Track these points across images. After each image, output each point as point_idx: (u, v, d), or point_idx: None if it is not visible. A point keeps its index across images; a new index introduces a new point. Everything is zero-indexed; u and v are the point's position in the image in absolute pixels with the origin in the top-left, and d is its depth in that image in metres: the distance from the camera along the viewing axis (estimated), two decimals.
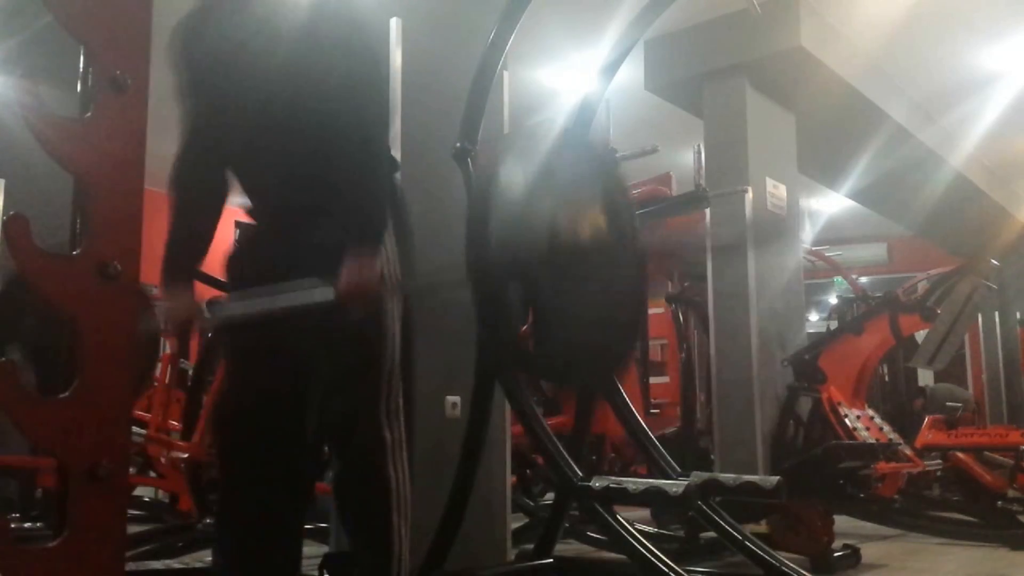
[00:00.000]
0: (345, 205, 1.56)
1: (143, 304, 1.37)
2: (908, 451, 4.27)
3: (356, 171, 1.57)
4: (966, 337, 7.11)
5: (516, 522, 3.36)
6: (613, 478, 2.12)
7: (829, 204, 8.04)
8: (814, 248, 6.95)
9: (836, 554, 3.09)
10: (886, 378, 6.83)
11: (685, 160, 5.10)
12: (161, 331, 1.71)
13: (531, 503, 4.17)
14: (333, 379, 1.61)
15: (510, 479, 2.97)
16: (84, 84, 1.40)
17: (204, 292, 1.76)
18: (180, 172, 1.70)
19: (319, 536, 2.99)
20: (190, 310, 1.66)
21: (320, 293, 1.54)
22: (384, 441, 1.60)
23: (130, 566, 2.55)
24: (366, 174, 1.58)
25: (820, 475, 3.48)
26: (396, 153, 2.73)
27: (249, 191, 1.71)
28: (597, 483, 2.08)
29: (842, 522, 3.56)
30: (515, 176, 1.78)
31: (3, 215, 1.14)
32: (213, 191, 1.73)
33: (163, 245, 1.68)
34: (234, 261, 1.75)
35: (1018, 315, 8.31)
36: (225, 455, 1.66)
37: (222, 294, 1.73)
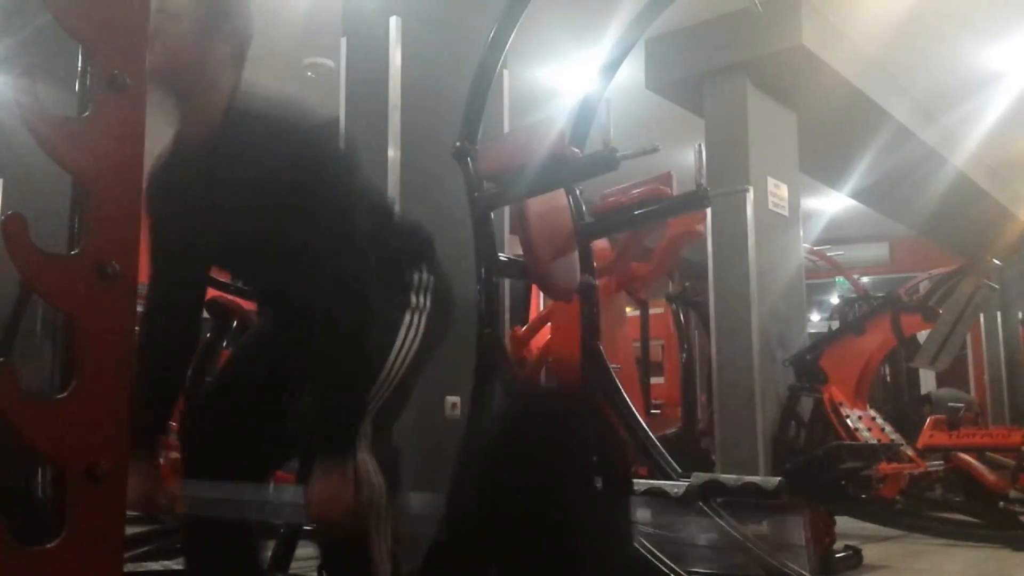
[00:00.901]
0: (317, 409, 1.44)
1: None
2: (910, 452, 4.26)
3: (332, 363, 1.43)
4: (968, 337, 7.10)
5: None
6: None
7: (831, 204, 8.03)
8: (816, 248, 6.95)
9: (838, 555, 3.08)
10: (888, 378, 6.82)
11: (686, 159, 5.08)
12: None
13: None
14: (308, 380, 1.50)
15: None
16: (82, 83, 1.39)
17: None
18: (148, 320, 1.60)
19: (318, 537, 2.98)
20: (150, 494, 1.58)
21: (289, 497, 1.48)
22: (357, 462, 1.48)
23: (129, 567, 2.55)
24: (344, 358, 1.43)
25: (821, 476, 3.47)
26: (395, 153, 2.74)
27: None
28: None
29: (844, 523, 3.55)
30: None
31: (1, 214, 1.14)
32: (185, 332, 1.66)
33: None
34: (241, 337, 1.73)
35: (1020, 315, 8.30)
36: (189, 450, 1.65)
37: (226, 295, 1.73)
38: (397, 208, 1.89)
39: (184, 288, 1.65)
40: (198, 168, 1.55)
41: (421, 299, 1.64)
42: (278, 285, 1.63)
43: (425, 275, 1.67)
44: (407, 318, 1.60)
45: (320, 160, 1.52)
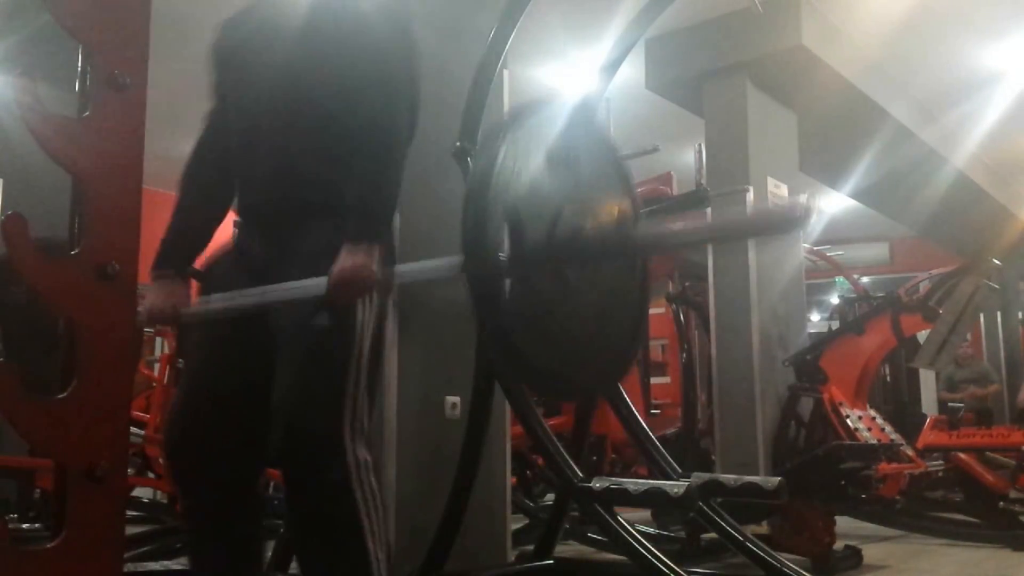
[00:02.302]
0: (352, 196, 1.50)
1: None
2: (910, 452, 4.26)
3: (368, 163, 1.52)
4: (968, 337, 7.10)
5: (516, 523, 3.36)
6: (614, 479, 2.12)
7: (831, 204, 8.03)
8: (816, 248, 6.95)
9: (837, 555, 3.08)
10: (888, 378, 6.83)
11: (686, 159, 5.10)
12: (141, 323, 1.66)
13: (531, 504, 4.17)
14: (290, 386, 1.49)
15: (510, 480, 2.96)
16: (82, 83, 1.39)
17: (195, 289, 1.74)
18: (188, 167, 1.71)
19: (289, 526, 2.98)
20: (172, 303, 1.61)
21: (311, 286, 1.47)
22: (348, 464, 1.47)
23: (128, 567, 2.55)
24: (378, 167, 1.52)
25: (822, 476, 3.47)
26: None
27: (243, 185, 1.67)
28: (598, 484, 2.08)
29: (844, 523, 3.55)
30: (516, 166, 1.73)
31: (1, 214, 1.14)
32: (216, 190, 1.70)
33: (159, 238, 1.67)
34: (215, 262, 1.72)
35: (1020, 315, 8.31)
36: (173, 454, 1.61)
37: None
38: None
39: (223, 146, 1.69)
40: (276, 17, 1.65)
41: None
42: (307, 148, 1.61)
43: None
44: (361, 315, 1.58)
45: (399, 43, 1.62)
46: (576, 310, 1.86)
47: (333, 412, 1.48)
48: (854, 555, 3.17)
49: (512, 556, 2.88)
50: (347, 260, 1.45)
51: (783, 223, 1.57)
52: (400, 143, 1.57)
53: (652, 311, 5.17)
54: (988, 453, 4.45)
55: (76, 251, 1.22)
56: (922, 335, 4.57)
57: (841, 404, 4.16)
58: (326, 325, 1.50)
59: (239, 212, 1.69)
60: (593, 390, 2.43)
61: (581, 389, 2.40)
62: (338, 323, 1.51)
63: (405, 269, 1.68)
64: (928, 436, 4.51)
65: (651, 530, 3.52)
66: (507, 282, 1.71)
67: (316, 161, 1.58)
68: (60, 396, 1.16)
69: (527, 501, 4.15)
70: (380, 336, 1.61)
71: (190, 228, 1.69)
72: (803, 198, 1.46)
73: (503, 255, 1.66)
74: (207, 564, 1.61)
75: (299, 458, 1.49)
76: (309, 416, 1.48)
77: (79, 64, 1.41)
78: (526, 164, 1.76)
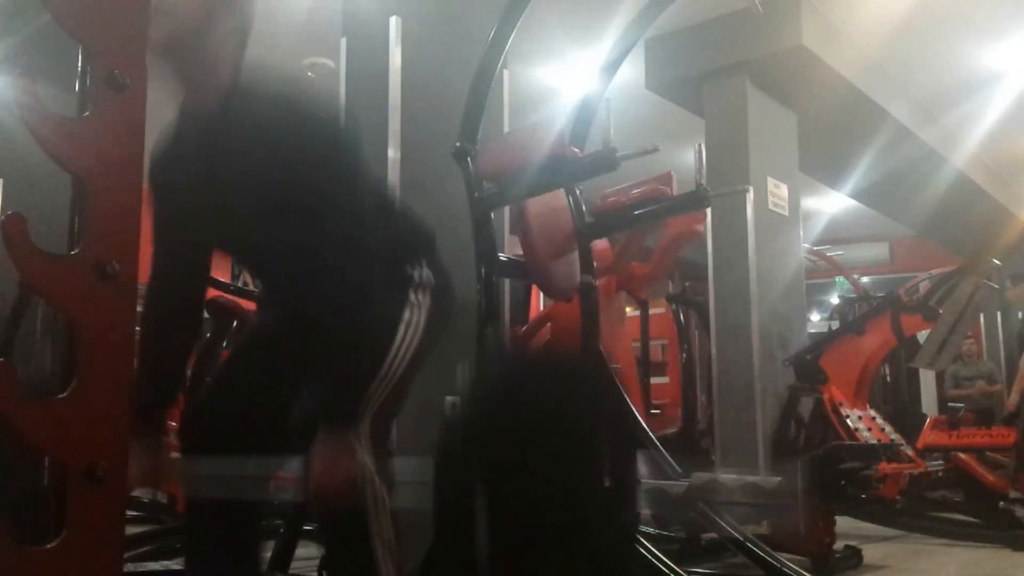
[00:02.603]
0: (320, 362, 1.44)
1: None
2: (910, 452, 4.26)
3: (339, 333, 1.41)
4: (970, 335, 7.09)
5: None
6: None
7: (831, 204, 8.03)
8: (816, 248, 6.95)
9: (837, 555, 3.08)
10: (888, 378, 6.83)
11: (686, 159, 5.08)
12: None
13: None
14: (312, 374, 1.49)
15: None
16: (82, 83, 1.39)
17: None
18: (149, 304, 1.60)
19: (318, 537, 2.98)
20: (154, 471, 1.59)
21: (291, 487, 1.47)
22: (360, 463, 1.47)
23: (129, 567, 2.55)
24: (351, 335, 1.42)
25: (821, 476, 3.47)
26: (395, 153, 2.74)
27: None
28: None
29: (844, 523, 3.55)
30: None
31: (1, 214, 1.14)
32: (182, 318, 1.65)
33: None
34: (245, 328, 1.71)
35: (1020, 315, 8.31)
36: (188, 441, 1.64)
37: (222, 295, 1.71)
38: (398, 201, 1.84)
39: (187, 267, 1.64)
40: (202, 144, 1.53)
41: (420, 296, 1.61)
42: (279, 269, 1.60)
43: (425, 271, 1.64)
44: (406, 315, 1.58)
45: (327, 140, 1.49)
46: None
47: (350, 412, 1.47)
48: (854, 555, 3.17)
49: None
50: (323, 454, 1.39)
51: None
52: (371, 288, 1.46)
53: (652, 311, 5.17)
54: (988, 453, 4.45)
55: (76, 251, 1.22)
56: (922, 335, 4.58)
57: (841, 404, 4.17)
58: (363, 325, 1.44)
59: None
60: None
61: None
62: (377, 326, 1.49)
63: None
64: (928, 436, 4.51)
65: (651, 530, 3.52)
66: None
67: (299, 270, 1.51)
68: (60, 396, 1.16)
69: None
70: (425, 342, 1.60)
71: (161, 378, 1.62)
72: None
73: None
74: (205, 562, 1.61)
75: (312, 459, 1.48)
76: (329, 493, 1.45)
77: (79, 64, 1.41)
78: None
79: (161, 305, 1.61)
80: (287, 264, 1.55)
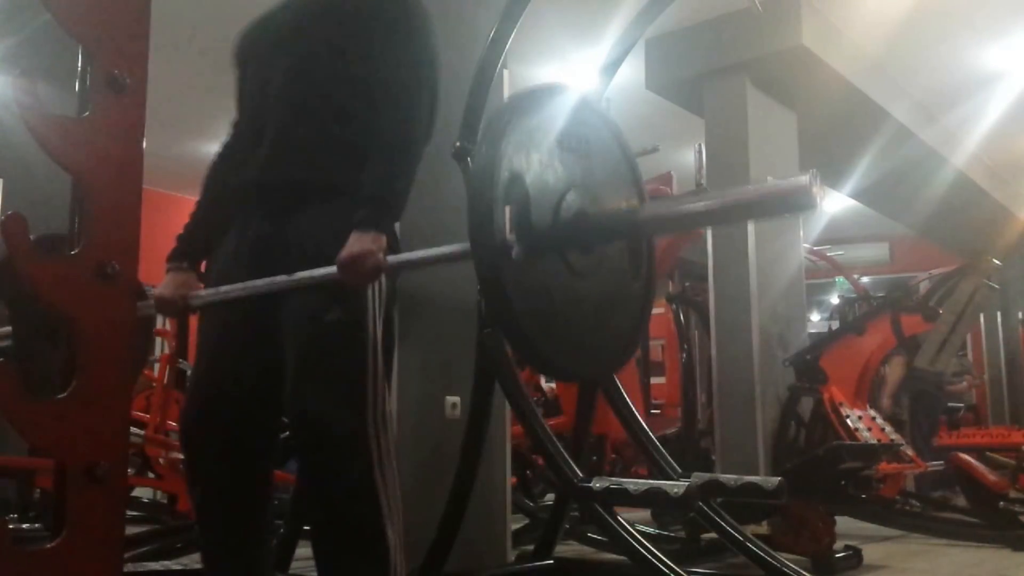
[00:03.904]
0: (365, 185, 1.51)
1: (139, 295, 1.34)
2: (910, 452, 4.26)
3: (384, 155, 1.52)
4: (968, 337, 7.10)
5: (516, 523, 3.36)
6: (613, 479, 2.11)
7: (831, 204, 8.03)
8: (816, 248, 6.95)
9: (837, 555, 3.08)
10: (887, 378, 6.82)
11: (686, 159, 5.10)
12: (152, 311, 1.70)
13: (531, 504, 4.17)
14: (303, 370, 1.50)
15: (510, 480, 2.96)
16: (82, 83, 1.39)
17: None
18: (212, 167, 1.74)
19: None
20: (181, 293, 1.65)
21: (320, 274, 1.47)
22: (371, 460, 1.47)
23: (129, 567, 2.55)
24: (394, 160, 1.52)
25: (821, 476, 3.48)
26: None
27: (249, 165, 1.66)
28: (597, 484, 2.07)
29: (843, 523, 3.55)
30: (522, 151, 1.73)
31: (1, 214, 1.14)
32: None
33: (174, 234, 1.71)
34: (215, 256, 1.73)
35: (1020, 315, 8.31)
36: (187, 447, 1.63)
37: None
38: None
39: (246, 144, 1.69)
40: (289, 17, 1.68)
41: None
42: (323, 125, 1.61)
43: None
44: (367, 292, 1.57)
45: (421, 37, 1.62)
46: (579, 298, 1.86)
47: (354, 406, 1.48)
48: (854, 555, 3.17)
49: (512, 556, 2.88)
50: (355, 245, 1.46)
51: (794, 200, 1.53)
52: (418, 141, 1.57)
53: (652, 311, 5.17)
54: (988, 453, 4.45)
55: (76, 251, 1.22)
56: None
57: (841, 404, 4.17)
58: (338, 316, 1.50)
59: (240, 191, 1.68)
60: (592, 378, 2.44)
61: (580, 376, 2.42)
62: (349, 311, 1.51)
63: (413, 256, 1.67)
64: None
65: (651, 530, 3.52)
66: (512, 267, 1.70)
67: (328, 147, 1.59)
68: (60, 396, 1.16)
69: (527, 501, 4.15)
70: (390, 321, 1.61)
71: (207, 222, 1.72)
72: (811, 174, 1.44)
73: (511, 238, 1.64)
74: (217, 557, 1.60)
75: (320, 457, 1.49)
76: (330, 412, 1.47)
77: (79, 64, 1.41)
78: (532, 149, 1.77)
79: (219, 174, 1.72)
80: (330, 114, 1.59)
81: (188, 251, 1.70)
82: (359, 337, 1.51)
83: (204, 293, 1.66)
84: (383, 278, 1.56)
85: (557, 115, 1.88)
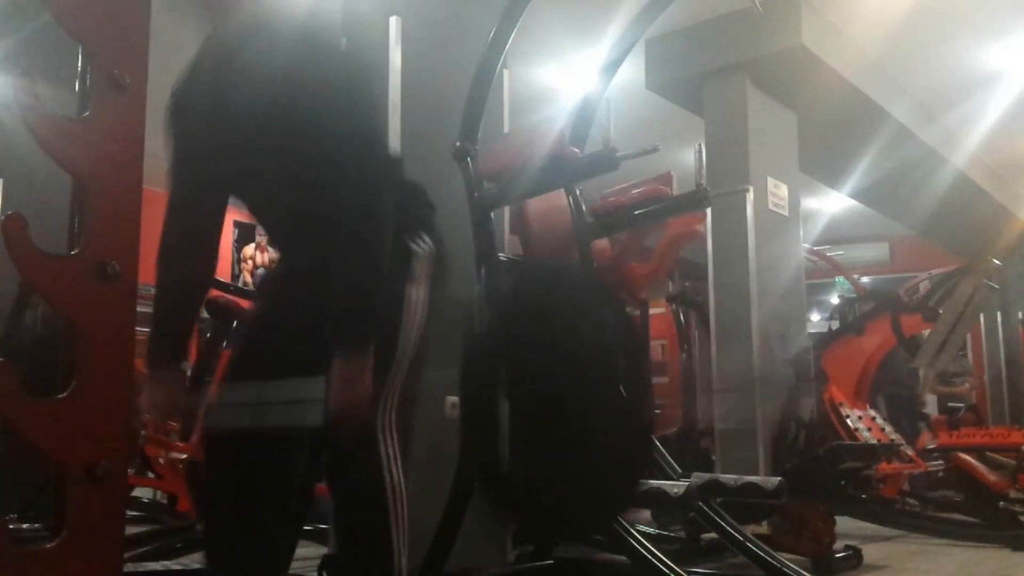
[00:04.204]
0: (338, 302, 1.43)
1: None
2: (910, 452, 4.26)
3: (352, 262, 1.42)
4: (968, 337, 7.10)
5: None
6: None
7: (831, 203, 8.03)
8: (816, 248, 6.95)
9: (837, 555, 3.08)
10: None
11: (686, 159, 5.07)
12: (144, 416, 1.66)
13: None
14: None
15: None
16: (82, 83, 1.39)
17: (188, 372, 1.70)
18: (164, 243, 1.60)
19: (318, 537, 2.98)
20: (172, 398, 1.59)
21: (311, 414, 1.44)
22: (379, 449, 1.49)
23: (128, 567, 2.55)
24: (362, 269, 1.43)
25: (821, 476, 3.47)
26: (395, 153, 2.74)
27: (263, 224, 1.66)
28: None
29: (844, 523, 3.55)
30: None
31: (1, 214, 1.14)
32: (196, 259, 1.64)
33: (151, 312, 1.60)
34: (261, 290, 1.70)
35: (1020, 315, 8.30)
36: (209, 450, 1.62)
37: (223, 295, 1.71)
38: (398, 168, 1.79)
39: (202, 204, 1.63)
40: (223, 76, 1.55)
41: (422, 269, 1.58)
42: (291, 218, 1.57)
43: (426, 244, 1.61)
44: (411, 293, 1.55)
45: (349, 77, 1.51)
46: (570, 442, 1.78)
47: (370, 407, 1.47)
48: (854, 555, 3.17)
49: (512, 556, 2.88)
50: (340, 372, 1.39)
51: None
52: (383, 224, 1.47)
53: (652, 311, 5.17)
54: (988, 453, 4.45)
55: (76, 251, 1.22)
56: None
57: (841, 404, 4.17)
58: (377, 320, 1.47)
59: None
60: (593, 529, 2.35)
61: (580, 529, 2.32)
62: (387, 320, 1.49)
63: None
64: (928, 436, 4.51)
65: (651, 530, 3.52)
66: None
67: (309, 216, 1.52)
68: (60, 396, 1.16)
69: None
70: (426, 332, 1.60)
71: (177, 309, 1.63)
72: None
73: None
74: (230, 557, 1.58)
75: (334, 449, 1.51)
76: (347, 410, 1.45)
77: (79, 64, 1.41)
78: None
79: (178, 238, 1.61)
80: (302, 202, 1.52)
81: (168, 348, 1.61)
82: (392, 340, 1.51)
83: (194, 398, 1.66)
84: (422, 291, 1.55)
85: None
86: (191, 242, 1.61)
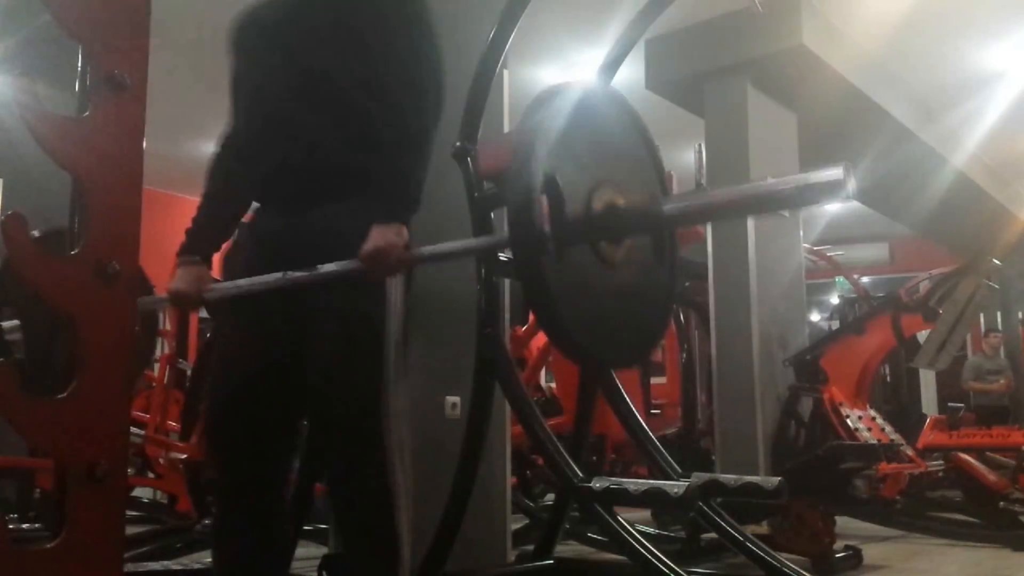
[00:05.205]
0: (382, 180, 1.51)
1: (143, 289, 1.35)
2: (910, 452, 4.26)
3: (397, 150, 1.51)
4: (968, 337, 7.10)
5: (516, 523, 3.35)
6: (613, 479, 2.11)
7: (830, 203, 8.02)
8: (816, 248, 6.95)
9: (837, 555, 3.08)
10: (888, 378, 6.83)
11: (686, 159, 5.09)
12: (167, 304, 1.71)
13: (531, 504, 4.17)
14: (328, 366, 1.51)
15: (510, 479, 2.96)
16: (82, 83, 1.39)
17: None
18: (214, 158, 1.72)
19: (318, 537, 2.99)
20: (196, 286, 1.64)
21: (341, 267, 1.47)
22: (386, 443, 1.51)
23: (128, 567, 2.55)
24: (408, 154, 1.51)
25: (821, 476, 3.48)
26: None
27: (262, 168, 1.65)
28: (597, 484, 2.07)
29: (844, 523, 3.55)
30: (554, 144, 1.74)
31: (1, 214, 1.14)
32: (240, 180, 1.70)
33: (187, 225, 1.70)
34: (232, 256, 1.72)
35: (1020, 315, 8.29)
36: (212, 445, 1.63)
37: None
38: None
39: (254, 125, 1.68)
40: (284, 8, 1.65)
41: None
42: (334, 124, 1.60)
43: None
44: (388, 286, 1.57)
45: (423, 28, 1.58)
46: (611, 288, 1.89)
47: (374, 405, 1.50)
48: (854, 555, 3.17)
49: (512, 556, 2.88)
50: (379, 239, 1.46)
51: (823, 191, 1.52)
52: (430, 131, 1.56)
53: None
54: (988, 453, 4.45)
55: (76, 251, 1.22)
56: (921, 335, 4.58)
57: (841, 404, 4.17)
58: (359, 308, 1.51)
59: (253, 187, 1.69)
60: (624, 365, 2.43)
61: (616, 365, 2.45)
62: (370, 306, 1.52)
63: (439, 249, 1.67)
64: (928, 436, 4.51)
65: (651, 530, 3.52)
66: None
67: (340, 145, 1.58)
68: (60, 396, 1.16)
69: (527, 501, 4.15)
70: (406, 316, 1.62)
71: (215, 216, 1.71)
72: (843, 167, 1.44)
73: (547, 229, 1.66)
74: (234, 550, 1.59)
75: (340, 451, 1.52)
76: (350, 411, 1.50)
77: (79, 64, 1.41)
78: (563, 145, 1.78)
79: (223, 165, 1.70)
80: (339, 110, 1.57)
81: (199, 245, 1.69)
82: (380, 333, 1.52)
83: (220, 287, 1.66)
84: (398, 282, 1.56)
85: (586, 111, 1.88)
86: (241, 157, 1.68)
